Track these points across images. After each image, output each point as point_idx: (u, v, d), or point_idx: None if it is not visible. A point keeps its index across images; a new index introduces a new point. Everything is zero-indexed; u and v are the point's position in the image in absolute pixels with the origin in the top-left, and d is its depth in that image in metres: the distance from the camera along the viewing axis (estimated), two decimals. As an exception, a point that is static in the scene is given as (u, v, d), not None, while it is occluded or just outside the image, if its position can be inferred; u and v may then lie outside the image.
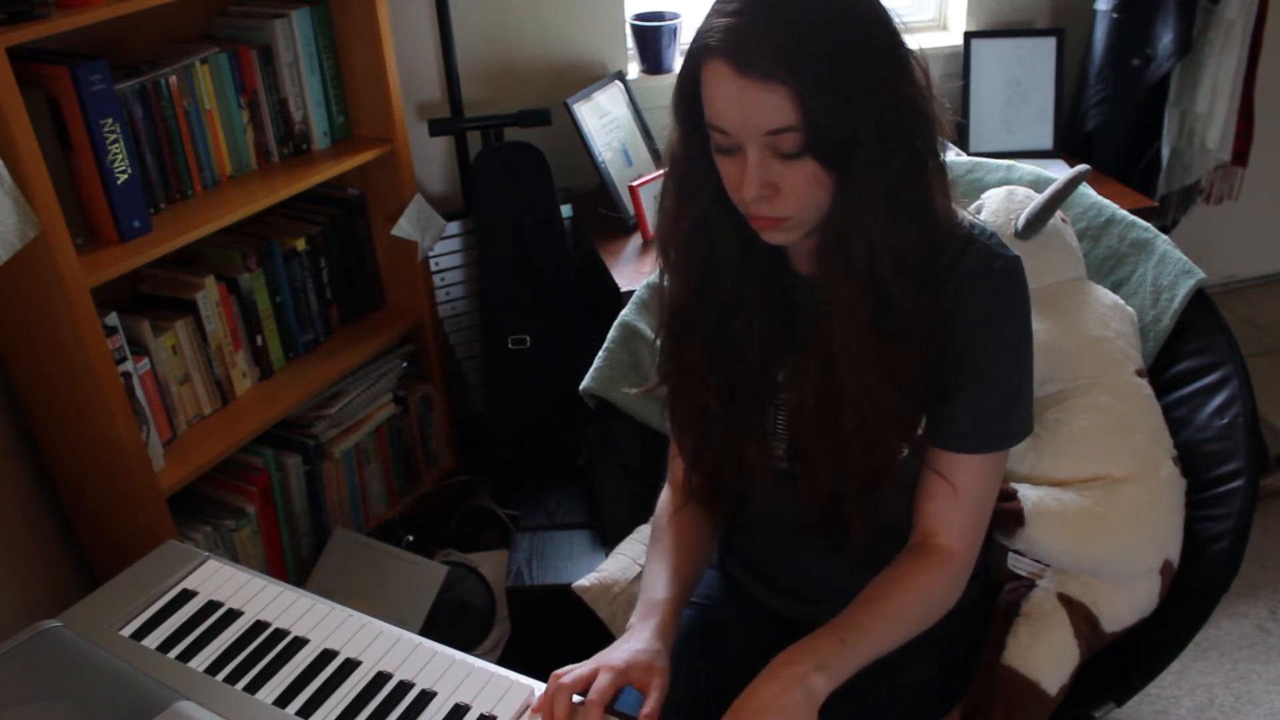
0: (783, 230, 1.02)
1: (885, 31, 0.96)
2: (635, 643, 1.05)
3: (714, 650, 1.26)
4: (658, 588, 1.14)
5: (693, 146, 1.03)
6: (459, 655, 1.06)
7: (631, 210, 2.16)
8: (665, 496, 1.27)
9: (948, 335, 1.04)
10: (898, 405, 1.04)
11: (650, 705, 0.99)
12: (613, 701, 1.00)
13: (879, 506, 1.11)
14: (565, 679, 1.01)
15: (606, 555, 1.56)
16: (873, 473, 1.08)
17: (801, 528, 1.14)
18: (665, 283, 1.15)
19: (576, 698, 1.00)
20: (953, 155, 1.89)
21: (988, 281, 1.04)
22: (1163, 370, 1.54)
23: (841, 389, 1.04)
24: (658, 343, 1.19)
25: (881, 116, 0.95)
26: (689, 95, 1.00)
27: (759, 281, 1.10)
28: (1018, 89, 2.41)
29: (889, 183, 0.97)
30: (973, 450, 1.09)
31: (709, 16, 0.96)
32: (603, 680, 1.00)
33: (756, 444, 1.15)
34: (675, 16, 2.31)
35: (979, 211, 1.55)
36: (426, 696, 1.02)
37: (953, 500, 1.10)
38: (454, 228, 2.19)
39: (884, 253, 0.98)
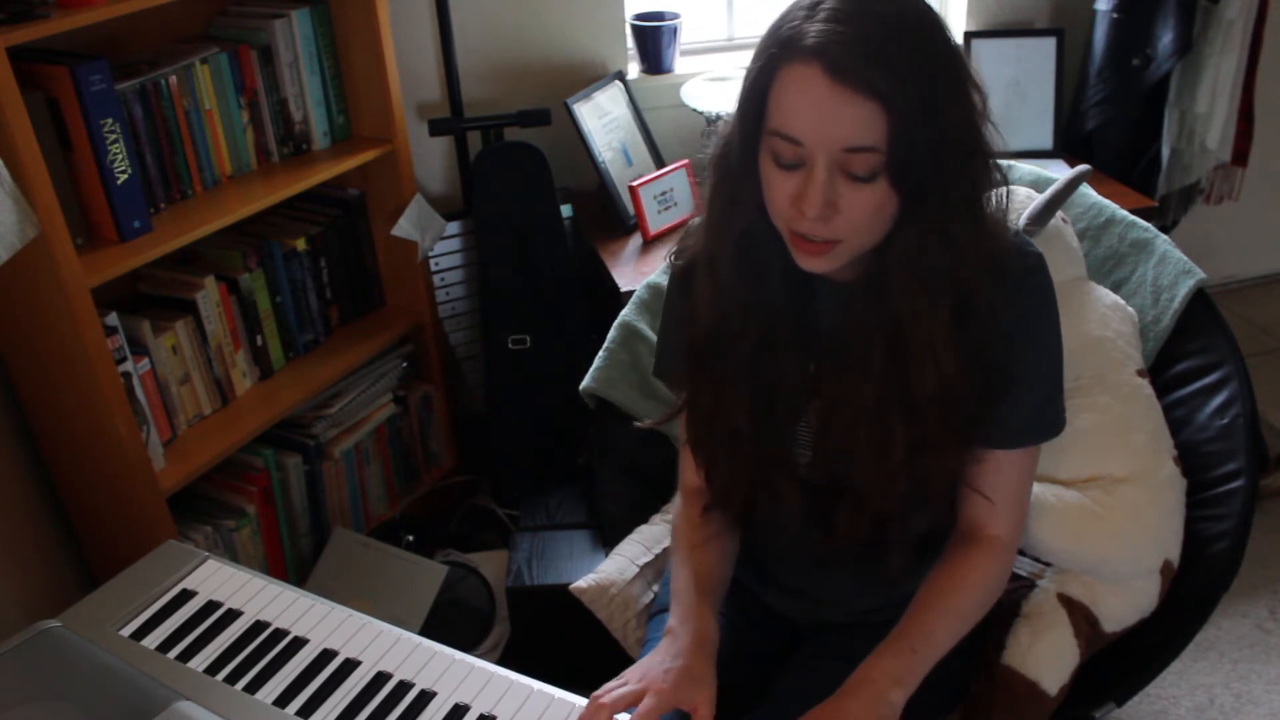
0: (827, 257, 0.96)
1: (958, 50, 0.93)
2: (681, 658, 1.03)
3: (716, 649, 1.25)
4: (690, 591, 1.12)
5: (750, 153, 0.97)
6: (459, 655, 1.06)
7: (631, 210, 2.16)
8: (681, 505, 1.24)
9: (991, 342, 1.01)
10: (952, 423, 1.02)
11: None
12: None
13: (921, 525, 1.10)
14: (606, 699, 0.98)
15: (606, 555, 1.56)
16: (921, 492, 1.06)
17: (835, 546, 1.11)
18: (696, 301, 1.07)
19: (622, 717, 0.98)
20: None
21: (1020, 282, 1.02)
22: (1163, 370, 1.54)
23: (889, 411, 1.01)
24: (659, 355, 1.15)
25: (965, 138, 0.93)
26: (757, 98, 0.93)
27: (800, 298, 1.05)
28: (1018, 89, 2.41)
29: (970, 205, 0.95)
30: (1019, 445, 1.08)
31: (794, 17, 0.89)
32: (648, 705, 0.98)
33: (787, 462, 1.11)
34: (675, 16, 2.31)
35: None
36: (426, 696, 1.02)
37: (1000, 493, 1.09)
38: (454, 228, 2.19)
39: (963, 273, 0.96)
